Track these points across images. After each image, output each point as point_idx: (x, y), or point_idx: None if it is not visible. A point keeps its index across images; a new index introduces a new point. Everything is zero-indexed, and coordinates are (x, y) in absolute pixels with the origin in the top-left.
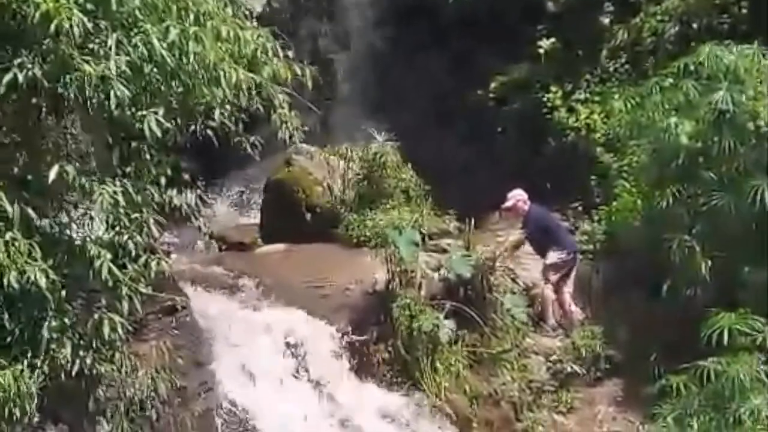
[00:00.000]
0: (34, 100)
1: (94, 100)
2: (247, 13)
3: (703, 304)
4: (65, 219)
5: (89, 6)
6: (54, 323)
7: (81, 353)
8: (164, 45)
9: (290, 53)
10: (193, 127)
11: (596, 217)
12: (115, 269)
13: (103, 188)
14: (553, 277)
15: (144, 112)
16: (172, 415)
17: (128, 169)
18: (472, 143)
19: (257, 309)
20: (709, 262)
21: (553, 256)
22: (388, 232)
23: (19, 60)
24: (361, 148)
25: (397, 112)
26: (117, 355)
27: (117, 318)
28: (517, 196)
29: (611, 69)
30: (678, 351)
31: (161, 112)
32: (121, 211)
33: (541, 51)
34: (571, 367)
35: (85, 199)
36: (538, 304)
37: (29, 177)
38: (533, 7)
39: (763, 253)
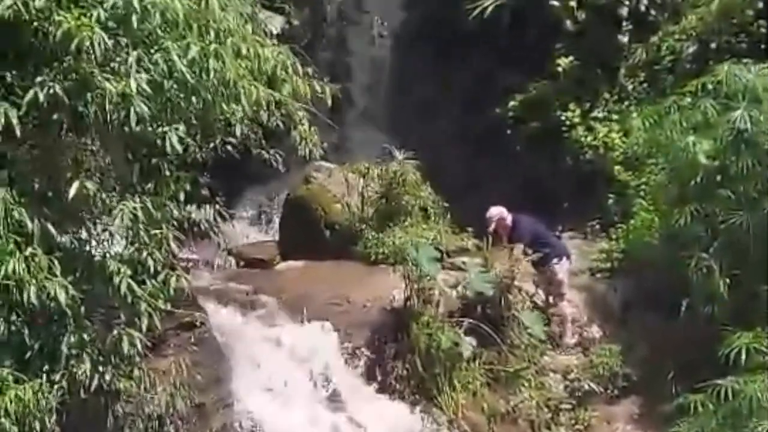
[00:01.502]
0: (54, 117)
1: (114, 117)
2: (267, 30)
3: (720, 323)
4: (85, 235)
5: (110, 24)
6: (73, 339)
7: (100, 369)
8: (185, 62)
9: (310, 70)
10: (212, 144)
11: (614, 236)
12: (134, 285)
13: (122, 204)
14: (567, 290)
15: (165, 129)
16: (190, 430)
17: (147, 186)
18: (491, 161)
19: (275, 325)
20: (727, 281)
21: (562, 269)
22: (407, 249)
23: (40, 78)
24: (380, 165)
25: (415, 129)
26: (136, 371)
27: (136, 334)
28: (496, 216)
29: (629, 87)
30: (695, 369)
31: (181, 128)
32: (141, 227)
33: (560, 69)
34: (589, 385)
35: (104, 215)
36: (557, 323)
37: (49, 193)
38: (552, 25)
39: None
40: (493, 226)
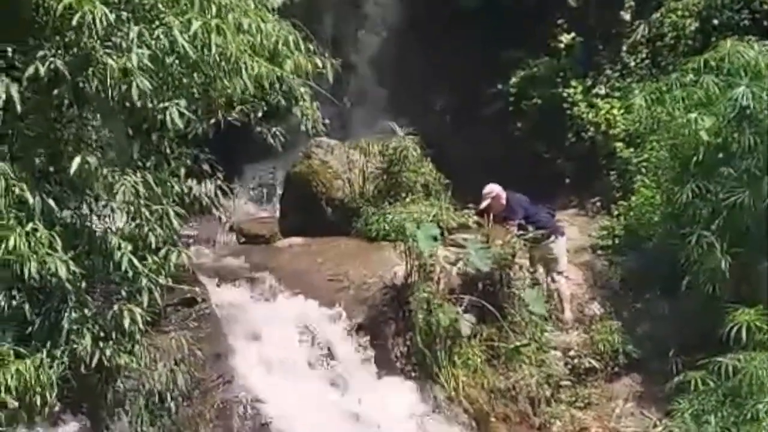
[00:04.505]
0: (55, 92)
1: (115, 93)
2: (268, 5)
3: (721, 300)
4: (86, 210)
5: None
6: (74, 314)
7: (100, 344)
8: (186, 37)
9: (311, 46)
10: (214, 119)
11: (615, 212)
12: (135, 261)
13: (124, 180)
14: (564, 267)
15: (166, 104)
16: (190, 407)
17: (149, 162)
18: (492, 137)
19: (276, 301)
20: (729, 258)
21: (558, 247)
22: (408, 226)
23: (41, 53)
24: (381, 141)
25: (417, 106)
26: (136, 346)
27: (137, 310)
28: (493, 193)
29: (631, 64)
30: (696, 347)
31: (183, 103)
32: (142, 202)
33: (562, 46)
34: (590, 363)
35: (106, 190)
36: (556, 300)
37: (50, 168)
38: (554, 1)
39: None
40: (487, 201)
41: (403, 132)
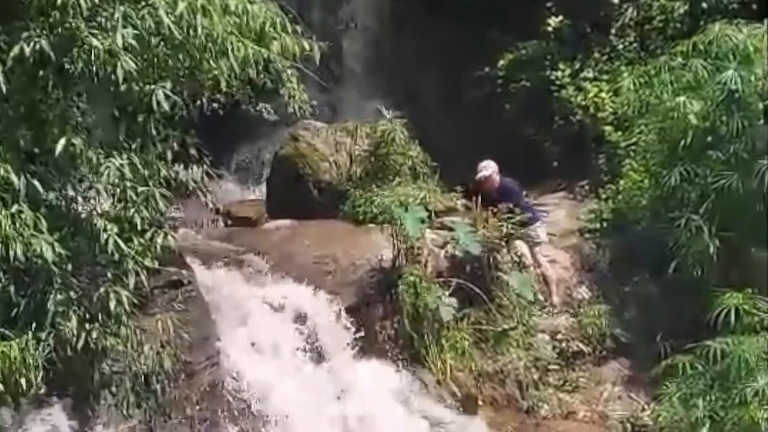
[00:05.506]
0: (41, 73)
1: (101, 74)
2: None
3: (710, 284)
4: (71, 192)
5: None
6: (60, 296)
7: (86, 326)
8: (172, 18)
9: (298, 28)
10: (200, 102)
11: (603, 196)
12: (121, 243)
13: (109, 161)
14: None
15: (152, 86)
16: (177, 389)
17: (134, 144)
18: (480, 120)
19: (263, 284)
20: (717, 242)
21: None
22: (395, 208)
23: (26, 33)
24: (369, 124)
25: (404, 89)
26: (122, 329)
27: (123, 292)
28: (488, 168)
29: (620, 47)
30: (684, 330)
31: (168, 85)
32: (128, 184)
33: (550, 28)
34: (577, 346)
35: (91, 172)
36: (542, 283)
37: (36, 149)
38: None
39: None
40: (489, 172)
41: (390, 115)
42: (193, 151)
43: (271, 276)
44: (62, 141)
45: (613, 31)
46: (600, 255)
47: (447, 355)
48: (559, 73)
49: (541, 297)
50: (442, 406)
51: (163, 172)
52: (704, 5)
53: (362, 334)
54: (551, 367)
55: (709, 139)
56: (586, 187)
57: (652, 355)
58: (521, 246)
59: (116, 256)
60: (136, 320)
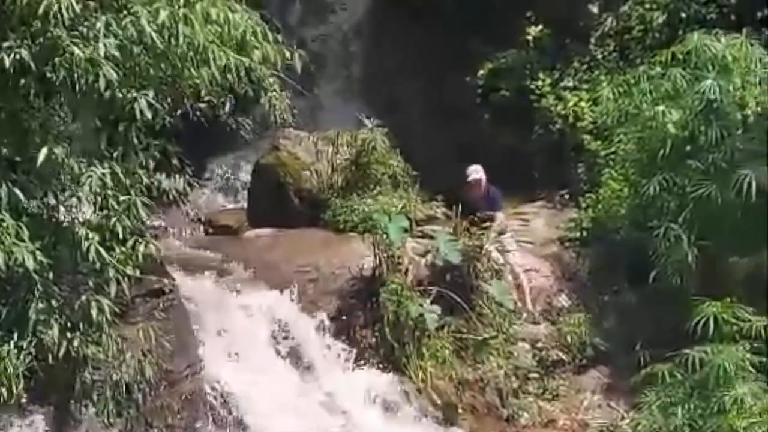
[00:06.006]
0: (22, 81)
1: (82, 83)
2: None
3: (689, 293)
4: (53, 201)
5: None
6: (41, 305)
7: (68, 335)
8: (154, 27)
9: (279, 37)
10: (181, 110)
11: (583, 205)
12: (102, 252)
13: (91, 170)
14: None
15: (133, 94)
16: (158, 398)
17: (116, 153)
18: (460, 130)
19: (244, 293)
20: (696, 251)
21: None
22: (376, 217)
23: (7, 43)
24: (350, 133)
25: (385, 97)
26: (104, 337)
27: (104, 300)
28: (479, 172)
29: (599, 57)
30: (664, 339)
31: (150, 94)
32: (109, 193)
33: (530, 38)
34: (557, 355)
35: (73, 181)
36: (516, 291)
37: (17, 158)
38: None
39: (749, 242)
40: (480, 175)
41: (371, 123)
42: (174, 160)
43: (252, 284)
44: (44, 150)
45: (592, 40)
46: (580, 264)
47: (428, 363)
48: (539, 83)
49: (519, 304)
50: (422, 414)
51: (145, 180)
52: (683, 15)
53: (343, 342)
54: (531, 375)
55: (688, 148)
56: (566, 196)
57: (632, 363)
58: (493, 252)
59: (98, 265)
60: (118, 329)
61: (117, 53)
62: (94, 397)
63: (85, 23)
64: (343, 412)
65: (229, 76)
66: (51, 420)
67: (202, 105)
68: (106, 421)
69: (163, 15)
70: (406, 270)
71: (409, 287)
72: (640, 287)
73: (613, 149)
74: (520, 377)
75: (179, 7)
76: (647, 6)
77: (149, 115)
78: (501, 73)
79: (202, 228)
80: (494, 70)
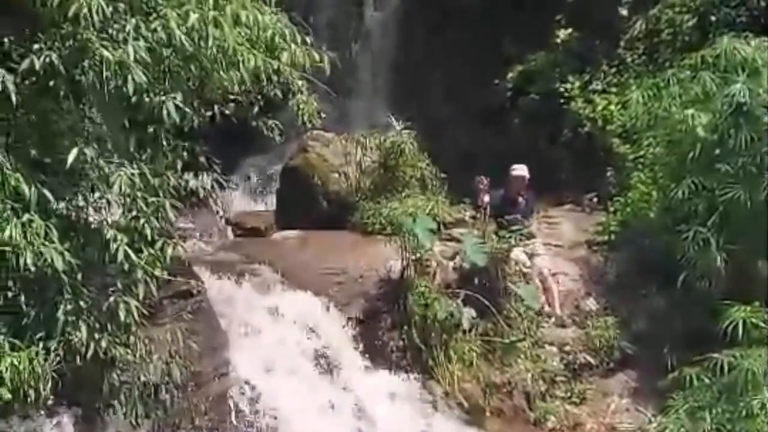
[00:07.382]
0: (51, 83)
1: (111, 85)
2: None
3: (717, 297)
4: (82, 202)
5: None
6: (69, 306)
7: (96, 336)
8: (183, 29)
9: (309, 39)
10: (210, 113)
11: (611, 208)
12: (131, 253)
13: (120, 171)
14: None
15: (162, 97)
16: (186, 399)
17: (144, 155)
18: (489, 132)
19: (272, 295)
20: (724, 255)
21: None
22: (404, 220)
23: (37, 45)
24: (378, 135)
25: (414, 100)
26: (132, 339)
27: (132, 302)
28: (524, 170)
29: (629, 60)
30: (692, 343)
31: (179, 97)
32: (138, 195)
33: (559, 41)
34: (585, 358)
35: (102, 182)
36: (548, 295)
37: (47, 159)
38: None
39: None
40: (522, 173)
41: (400, 126)
42: (202, 161)
43: (280, 286)
44: (74, 151)
45: (622, 43)
46: (608, 267)
47: (455, 366)
48: (568, 86)
49: (547, 308)
50: (449, 417)
51: (173, 181)
52: (713, 18)
53: (371, 344)
54: (558, 378)
55: (717, 151)
56: (594, 200)
57: (660, 367)
58: (521, 254)
59: (126, 266)
60: (146, 330)
61: (146, 56)
62: (122, 399)
63: (115, 26)
64: (370, 414)
65: (258, 79)
66: (79, 421)
67: (231, 107)
68: (133, 422)
69: (193, 18)
70: (434, 273)
71: (436, 290)
72: (668, 291)
73: (642, 152)
74: (548, 380)
75: (209, 10)
76: (677, 9)
77: (177, 118)
78: (530, 75)
79: (230, 230)
80: (524, 72)
